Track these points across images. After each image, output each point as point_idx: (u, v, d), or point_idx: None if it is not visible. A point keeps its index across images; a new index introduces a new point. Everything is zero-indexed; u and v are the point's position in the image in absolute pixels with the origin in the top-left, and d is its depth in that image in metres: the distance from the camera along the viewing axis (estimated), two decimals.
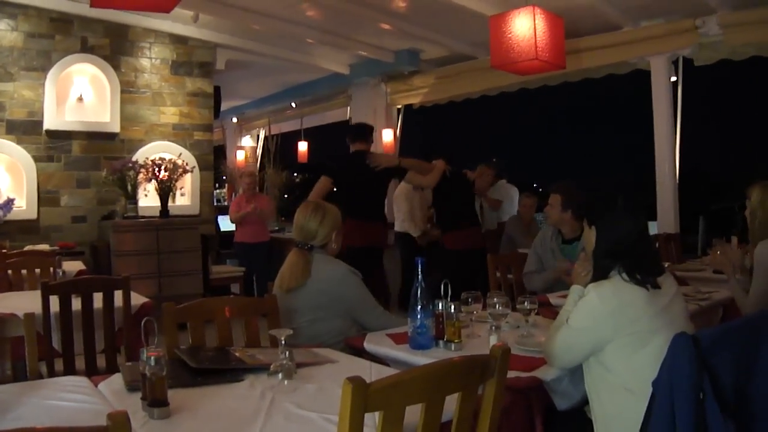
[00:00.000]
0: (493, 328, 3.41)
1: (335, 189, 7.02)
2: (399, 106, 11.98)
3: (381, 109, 11.84)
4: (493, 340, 3.26)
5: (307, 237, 4.10)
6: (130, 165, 8.81)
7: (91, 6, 4.92)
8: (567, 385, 2.96)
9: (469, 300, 3.68)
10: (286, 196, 14.87)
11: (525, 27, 5.87)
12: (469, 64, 10.32)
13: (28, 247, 8.09)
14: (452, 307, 3.29)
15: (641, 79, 8.55)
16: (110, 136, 9.53)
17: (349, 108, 12.70)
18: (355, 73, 11.75)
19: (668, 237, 7.77)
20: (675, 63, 8.41)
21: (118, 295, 4.53)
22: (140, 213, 8.87)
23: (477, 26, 7.83)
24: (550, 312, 3.91)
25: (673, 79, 8.42)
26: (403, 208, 9.82)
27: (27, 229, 8.87)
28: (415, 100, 11.49)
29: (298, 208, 4.23)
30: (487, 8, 7.70)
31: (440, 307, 3.30)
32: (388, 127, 11.68)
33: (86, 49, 9.35)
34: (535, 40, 5.81)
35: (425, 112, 11.88)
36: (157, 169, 8.92)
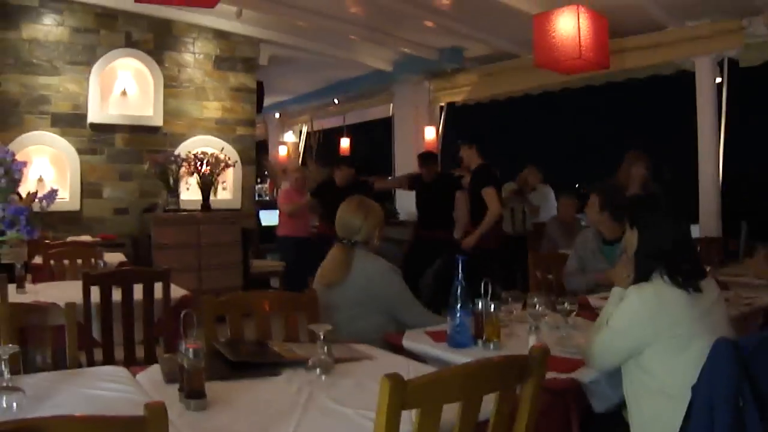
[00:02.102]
0: (533, 328, 3.39)
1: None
2: (442, 104, 11.98)
3: (423, 107, 11.84)
4: (532, 340, 3.25)
5: (350, 233, 4.10)
6: (173, 158, 8.88)
7: (136, 1, 4.97)
8: (605, 388, 2.93)
9: (509, 300, 3.67)
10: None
11: (569, 26, 5.85)
12: (512, 63, 10.28)
13: (70, 238, 8.18)
14: (492, 306, 3.28)
15: (686, 80, 8.46)
16: (153, 130, 9.63)
17: (391, 105, 12.73)
18: (398, 70, 11.74)
19: (710, 241, 7.66)
20: (720, 64, 8.30)
21: (157, 287, 4.57)
22: (182, 206, 8.94)
23: (521, 24, 7.80)
24: (590, 313, 3.88)
25: (718, 80, 8.32)
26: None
27: (70, 220, 8.97)
28: (457, 98, 11.47)
29: (342, 203, 4.24)
30: (531, 7, 7.65)
31: (480, 306, 3.29)
32: (430, 124, 11.67)
33: (130, 43, 9.45)
34: (579, 39, 5.78)
35: (468, 110, 11.85)
36: (199, 163, 8.98)
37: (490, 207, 7.62)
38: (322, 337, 2.82)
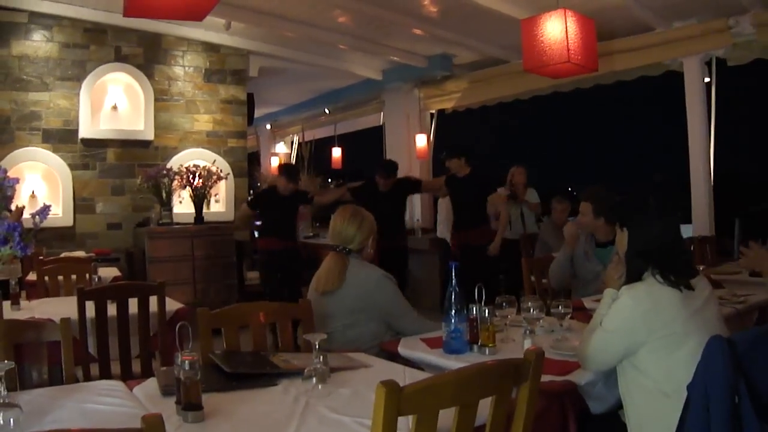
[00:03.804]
0: (528, 332, 3.39)
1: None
2: (432, 111, 11.98)
3: (414, 115, 11.84)
4: (527, 344, 3.25)
5: (344, 241, 4.11)
6: (165, 172, 8.89)
7: (125, 15, 4.96)
8: (601, 389, 2.94)
9: (504, 304, 3.67)
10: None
11: (556, 30, 5.83)
12: (501, 68, 10.30)
13: (64, 254, 8.13)
14: (486, 311, 3.28)
15: (674, 80, 8.49)
16: (144, 144, 9.63)
17: (382, 113, 12.72)
18: (387, 78, 11.77)
19: (703, 240, 7.68)
20: (708, 64, 8.32)
21: (153, 301, 4.57)
22: (175, 220, 8.95)
23: (509, 30, 7.82)
24: (585, 316, 3.89)
25: (707, 80, 8.34)
26: (442, 215, 9.92)
27: (63, 236, 8.97)
28: (448, 104, 11.47)
29: (335, 212, 4.25)
30: (519, 12, 7.68)
31: (474, 312, 3.29)
32: (421, 132, 11.66)
33: (120, 58, 9.46)
34: (567, 43, 5.78)
35: (458, 116, 11.86)
36: (191, 176, 8.98)
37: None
38: (317, 346, 2.82)
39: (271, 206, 8.13)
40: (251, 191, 11.47)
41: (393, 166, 8.68)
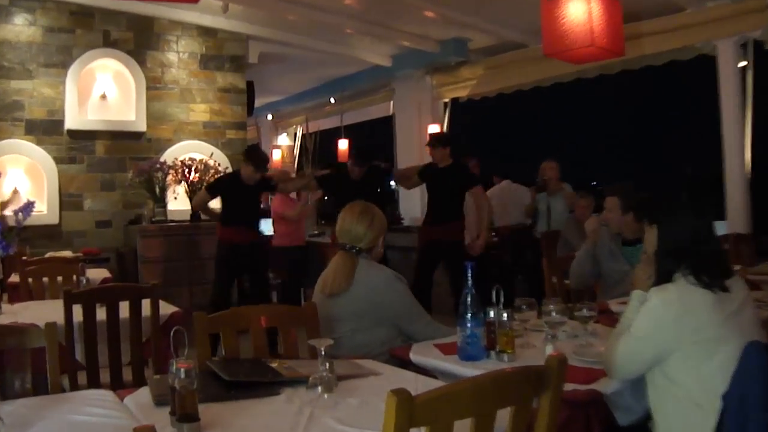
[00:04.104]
0: (549, 337, 3.39)
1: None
2: (446, 100, 11.99)
3: (426, 104, 11.85)
4: (548, 350, 3.24)
5: (353, 240, 4.10)
6: (158, 166, 8.90)
7: None
8: (629, 399, 2.93)
9: (523, 307, 3.66)
10: (326, 198, 14.91)
11: (580, 11, 5.81)
12: (520, 53, 10.29)
13: (49, 254, 8.15)
14: (505, 314, 3.27)
15: (707, 65, 8.45)
16: (136, 136, 9.66)
17: (392, 103, 12.74)
18: (397, 65, 11.77)
19: (739, 237, 7.61)
20: (744, 46, 8.28)
21: (145, 305, 4.56)
22: (169, 217, 8.96)
23: (527, 12, 7.81)
24: (611, 320, 3.87)
25: (742, 63, 8.30)
26: None
27: (48, 234, 9.00)
28: (462, 92, 11.46)
29: (344, 209, 4.24)
30: None
31: (492, 315, 3.28)
32: (434, 122, 11.67)
33: (109, 43, 9.48)
34: (591, 25, 5.75)
35: (474, 105, 11.85)
36: (187, 170, 9.00)
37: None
38: (323, 352, 2.81)
39: (234, 194, 8.01)
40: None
41: (370, 153, 8.71)
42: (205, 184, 8.80)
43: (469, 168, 8.56)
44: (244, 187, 7.90)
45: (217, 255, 7.96)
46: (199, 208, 8.75)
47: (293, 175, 10.62)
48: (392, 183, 10.61)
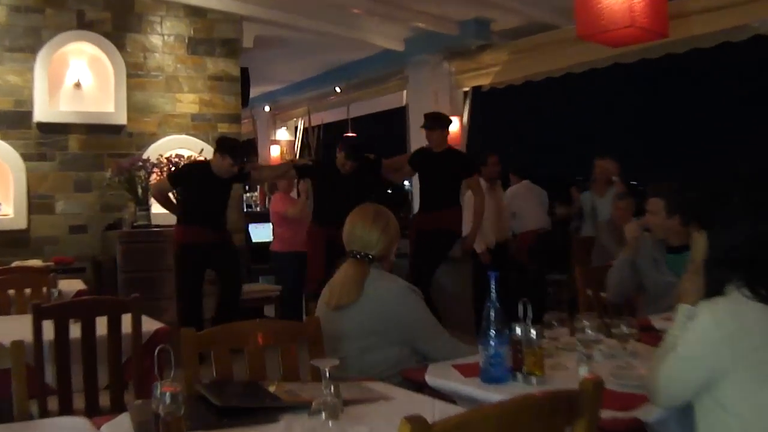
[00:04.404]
0: (583, 357, 3.38)
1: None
2: (466, 89, 11.97)
3: (444, 93, 11.82)
4: (582, 371, 3.24)
5: (364, 247, 4.10)
6: (141, 164, 8.88)
7: None
8: (674, 428, 2.92)
9: (554, 323, 3.65)
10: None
11: None
12: (549, 35, 10.27)
13: (16, 263, 8.14)
14: (533, 331, 3.27)
15: (763, 46, 8.41)
16: (115, 130, 9.66)
17: (405, 92, 12.74)
18: (411, 49, 11.78)
19: None
20: None
21: (126, 320, 4.55)
22: (153, 222, 8.94)
23: None
24: (653, 338, 3.86)
25: None
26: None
27: (15, 241, 9.01)
28: (484, 80, 11.45)
29: (354, 212, 4.24)
30: None
31: (518, 332, 3.28)
32: (453, 114, 11.61)
33: (84, 25, 9.47)
34: (631, 3, 5.76)
35: (497, 95, 11.85)
36: (173, 168, 8.98)
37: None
38: (327, 374, 2.81)
39: (202, 187, 8.05)
40: (246, 187, 11.51)
41: (364, 146, 8.80)
42: (167, 174, 8.72)
43: (465, 155, 8.60)
44: (214, 179, 7.95)
45: (176, 261, 8.02)
46: (157, 199, 8.68)
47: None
48: (406, 182, 10.59)
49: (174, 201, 8.49)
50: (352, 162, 8.36)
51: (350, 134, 14.43)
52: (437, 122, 8.34)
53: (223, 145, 8.11)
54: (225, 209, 8.31)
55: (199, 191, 8.08)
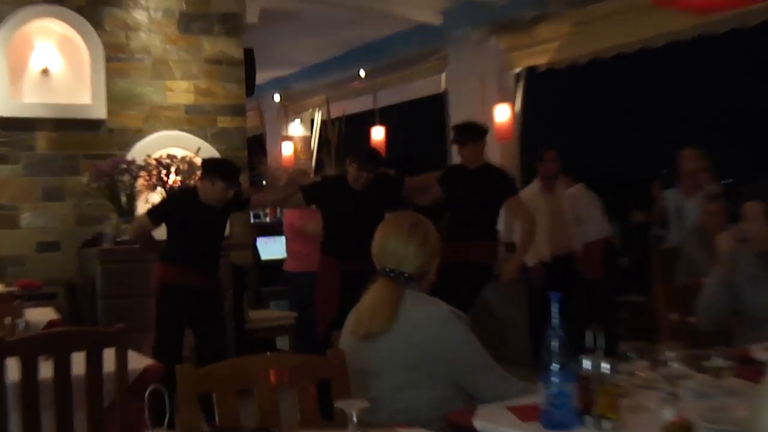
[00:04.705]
0: (668, 396, 3.36)
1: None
2: (518, 70, 11.94)
3: (491, 75, 11.82)
4: (667, 414, 3.22)
5: (398, 264, 4.08)
6: (124, 167, 8.90)
7: None
8: None
9: (631, 355, 3.64)
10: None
11: None
12: (620, 3, 10.23)
13: None
14: (606, 365, 3.25)
15: None
16: (92, 125, 9.67)
17: (444, 75, 12.73)
18: (451, 23, 11.79)
19: None
20: None
21: (108, 356, 4.55)
22: None
23: None
24: (754, 372, 3.84)
25: None
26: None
27: None
28: (541, 59, 11.43)
29: (384, 222, 4.24)
30: None
31: (587, 367, 3.26)
32: (502, 101, 11.61)
33: None
34: None
35: (557, 75, 11.84)
36: (164, 171, 9.01)
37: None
38: (355, 418, 2.81)
39: (188, 220, 7.78)
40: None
41: (380, 157, 8.73)
42: (147, 206, 8.45)
43: (504, 172, 8.51)
44: (203, 210, 7.72)
45: (156, 303, 7.83)
46: (138, 240, 8.28)
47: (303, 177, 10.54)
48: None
49: (156, 241, 8.13)
50: (367, 173, 8.08)
51: (379, 127, 14.47)
52: (468, 135, 8.24)
53: (209, 168, 7.86)
54: (219, 246, 8.12)
55: (183, 225, 7.82)
